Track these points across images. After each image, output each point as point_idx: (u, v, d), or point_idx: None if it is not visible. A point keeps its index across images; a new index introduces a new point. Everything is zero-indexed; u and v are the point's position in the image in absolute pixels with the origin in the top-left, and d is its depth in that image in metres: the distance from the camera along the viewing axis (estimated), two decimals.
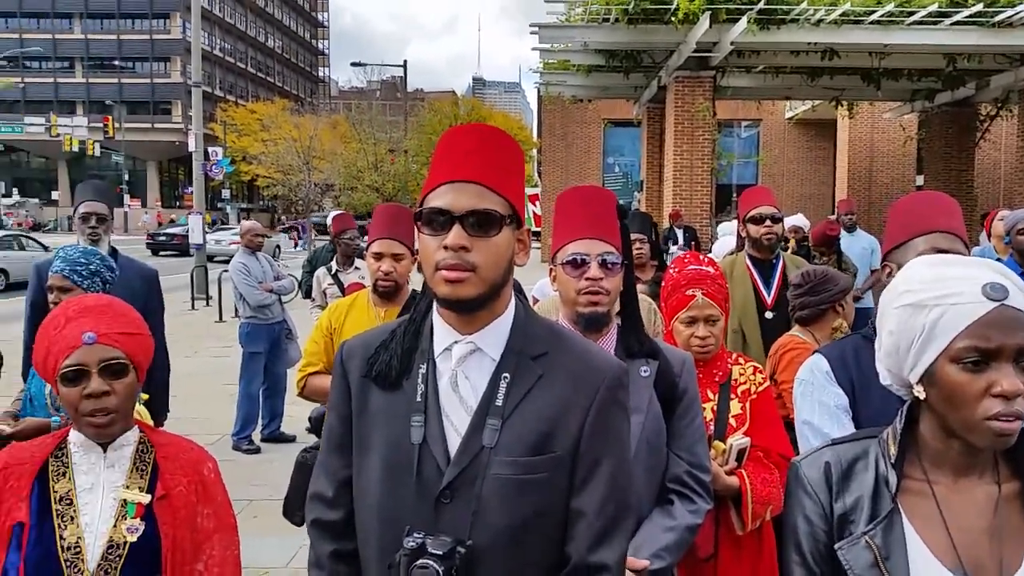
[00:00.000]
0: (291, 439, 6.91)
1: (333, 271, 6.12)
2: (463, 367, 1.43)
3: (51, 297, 3.06)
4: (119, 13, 67.92)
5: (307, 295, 7.15)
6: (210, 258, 19.70)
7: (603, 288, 1.98)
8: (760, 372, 2.57)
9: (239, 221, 46.93)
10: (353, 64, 48.17)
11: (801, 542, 1.36)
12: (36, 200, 57.18)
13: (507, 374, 1.41)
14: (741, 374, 2.53)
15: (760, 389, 2.52)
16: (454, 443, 1.39)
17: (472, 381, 1.42)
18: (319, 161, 39.75)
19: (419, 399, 1.42)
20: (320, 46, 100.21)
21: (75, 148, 45.90)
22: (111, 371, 1.73)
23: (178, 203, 64.23)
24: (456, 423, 1.41)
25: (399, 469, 1.40)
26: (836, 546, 1.30)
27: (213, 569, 1.80)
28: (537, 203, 24.62)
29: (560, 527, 1.40)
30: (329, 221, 7.51)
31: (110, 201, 4.02)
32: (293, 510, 3.04)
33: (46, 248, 24.45)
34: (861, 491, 1.33)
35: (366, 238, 3.49)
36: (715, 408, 2.46)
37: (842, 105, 17.60)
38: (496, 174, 1.40)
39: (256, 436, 6.90)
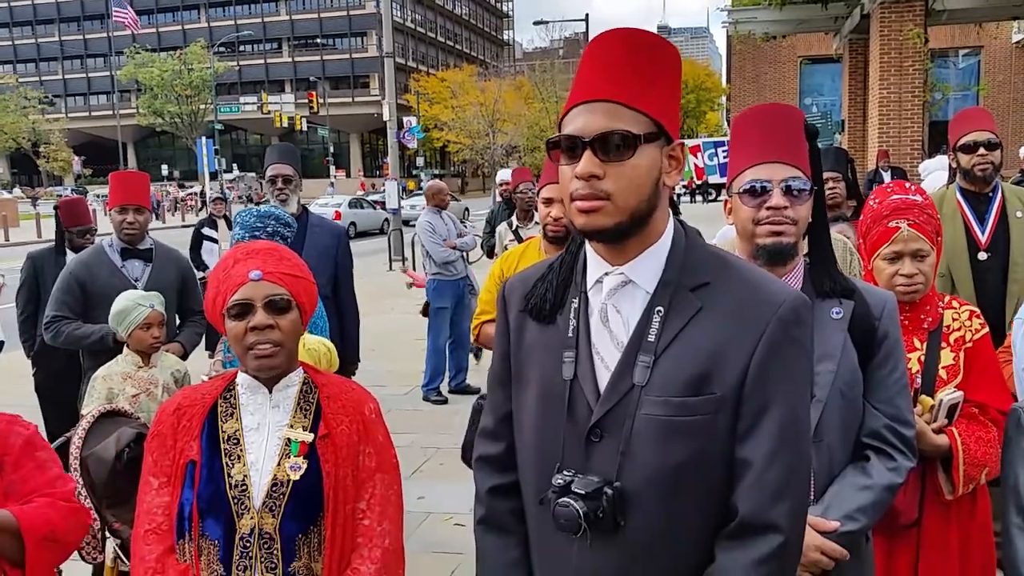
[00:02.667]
0: (476, 391, 7.08)
1: (514, 227, 6.16)
2: (614, 300, 1.32)
3: None
4: None
5: (490, 255, 7.28)
6: (405, 222, 20.58)
7: (787, 217, 1.75)
8: (978, 317, 2.23)
9: None
10: (536, 23, 48.15)
11: None
12: (253, 174, 62.52)
13: (661, 307, 1.28)
14: (955, 319, 2.21)
15: (977, 337, 2.19)
16: (604, 380, 1.31)
17: (624, 315, 1.32)
18: (503, 123, 40.39)
19: (571, 334, 1.34)
20: (504, 8, 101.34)
21: (284, 124, 49.61)
22: (275, 307, 1.77)
23: (378, 172, 67.80)
24: (607, 359, 1.31)
25: (552, 405, 1.34)
26: None
27: (375, 508, 1.81)
28: (699, 155, 23.30)
29: (721, 476, 1.27)
30: (498, 179, 7.58)
31: (295, 163, 4.19)
32: (469, 455, 3.10)
33: (373, 206, 28.55)
34: None
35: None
36: (923, 358, 2.17)
37: None
38: (633, 86, 1.25)
39: (444, 388, 7.15)
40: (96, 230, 4.83)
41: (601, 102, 1.26)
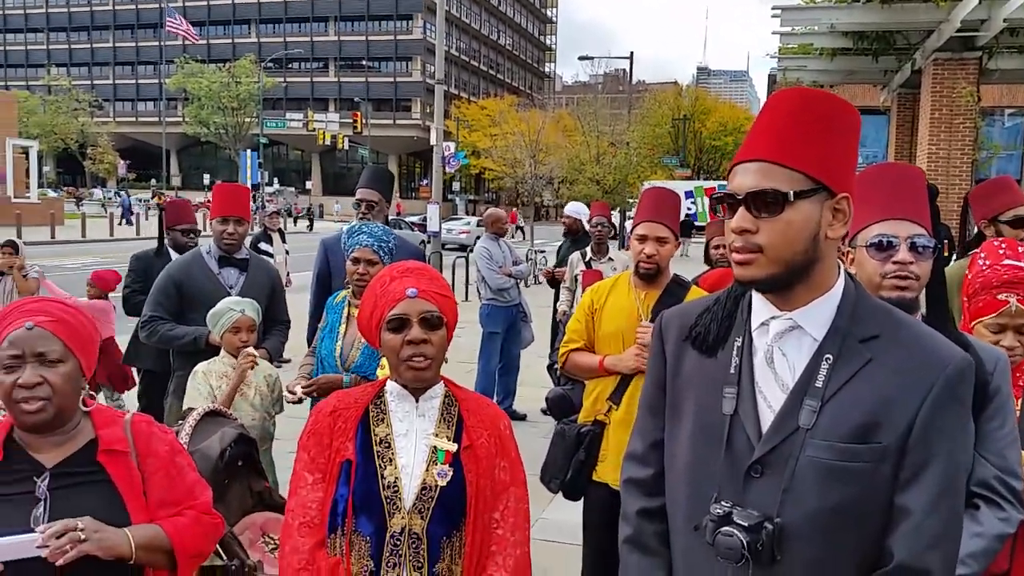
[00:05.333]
0: (522, 417, 7.15)
1: (587, 258, 6.31)
2: (780, 343, 1.40)
3: (356, 268, 3.28)
4: (368, 15, 73.49)
5: (551, 284, 7.45)
6: (442, 246, 20.78)
7: (912, 273, 1.85)
8: None
9: (467, 212, 49.42)
10: (581, 58, 48.62)
11: None
12: (292, 189, 63.34)
13: (830, 355, 1.35)
14: None
15: None
16: (767, 419, 1.38)
17: (790, 359, 1.39)
18: (543, 155, 40.72)
19: (733, 371, 1.41)
20: (548, 42, 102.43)
21: (327, 142, 50.32)
22: (428, 323, 1.90)
23: (413, 194, 68.49)
24: (770, 399, 1.38)
25: (709, 437, 1.41)
26: None
27: (508, 519, 1.91)
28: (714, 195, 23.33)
29: (877, 521, 1.33)
30: (567, 211, 7.78)
31: (382, 188, 4.27)
32: (550, 476, 3.19)
33: (411, 228, 28.08)
34: None
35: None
36: (1019, 415, 2.23)
37: None
38: (788, 145, 1.33)
39: None
40: (200, 231, 5.01)
41: (756, 162, 1.35)
